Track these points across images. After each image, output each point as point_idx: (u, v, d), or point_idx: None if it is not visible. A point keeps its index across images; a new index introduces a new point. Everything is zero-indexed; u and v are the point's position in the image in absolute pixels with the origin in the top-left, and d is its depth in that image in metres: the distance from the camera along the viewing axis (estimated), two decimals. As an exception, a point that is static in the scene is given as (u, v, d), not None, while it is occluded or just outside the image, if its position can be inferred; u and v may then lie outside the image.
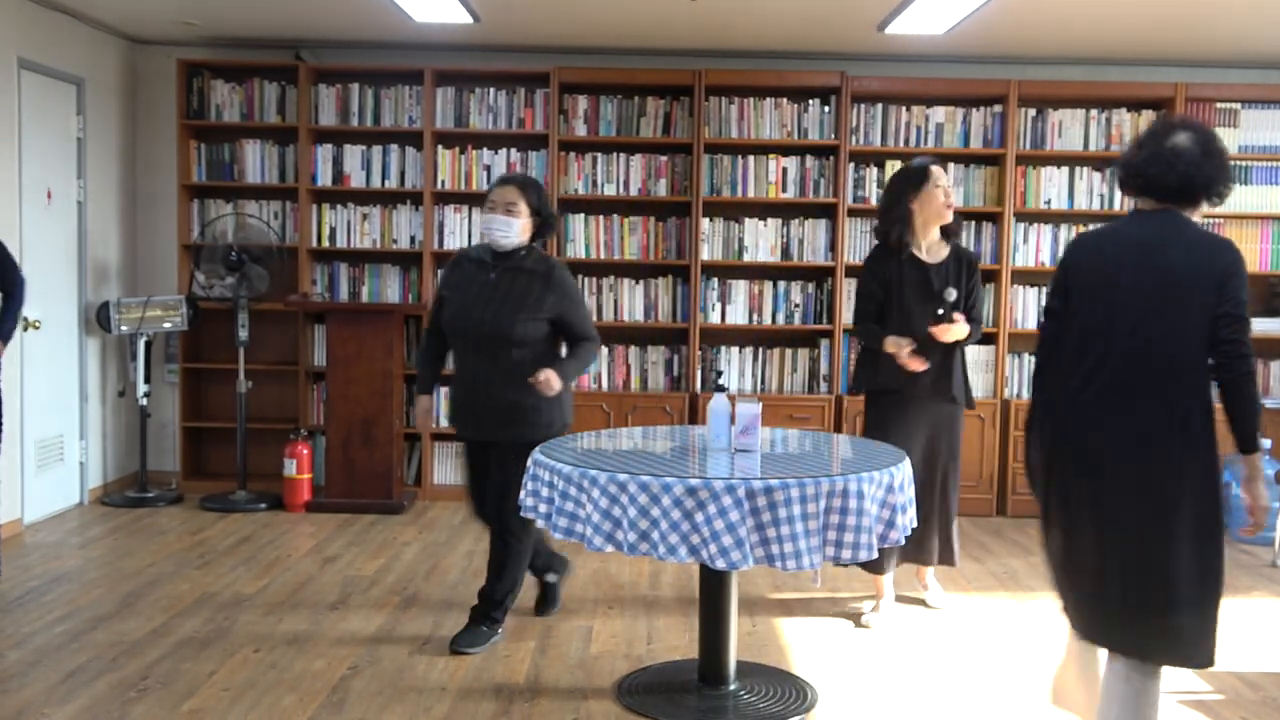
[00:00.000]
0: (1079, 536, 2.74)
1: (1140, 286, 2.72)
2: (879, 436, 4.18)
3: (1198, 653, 2.65)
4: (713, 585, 3.50)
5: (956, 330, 4.17)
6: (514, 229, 3.83)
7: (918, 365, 4.14)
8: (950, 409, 4.32)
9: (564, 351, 3.97)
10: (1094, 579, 2.72)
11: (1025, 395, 6.30)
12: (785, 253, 6.37)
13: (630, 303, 6.41)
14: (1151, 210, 2.82)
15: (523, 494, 3.41)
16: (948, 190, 4.26)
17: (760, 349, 6.42)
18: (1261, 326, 6.28)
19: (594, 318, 6.36)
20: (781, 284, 6.39)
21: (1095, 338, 2.74)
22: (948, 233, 4.34)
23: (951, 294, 4.26)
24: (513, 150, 6.37)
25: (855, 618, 4.38)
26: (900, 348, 4.15)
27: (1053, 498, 2.81)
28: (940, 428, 4.30)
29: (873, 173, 6.34)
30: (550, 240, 4.96)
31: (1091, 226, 6.31)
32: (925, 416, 4.27)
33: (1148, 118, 6.34)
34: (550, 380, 3.70)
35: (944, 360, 4.26)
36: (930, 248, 4.31)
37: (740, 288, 6.40)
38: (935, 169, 4.26)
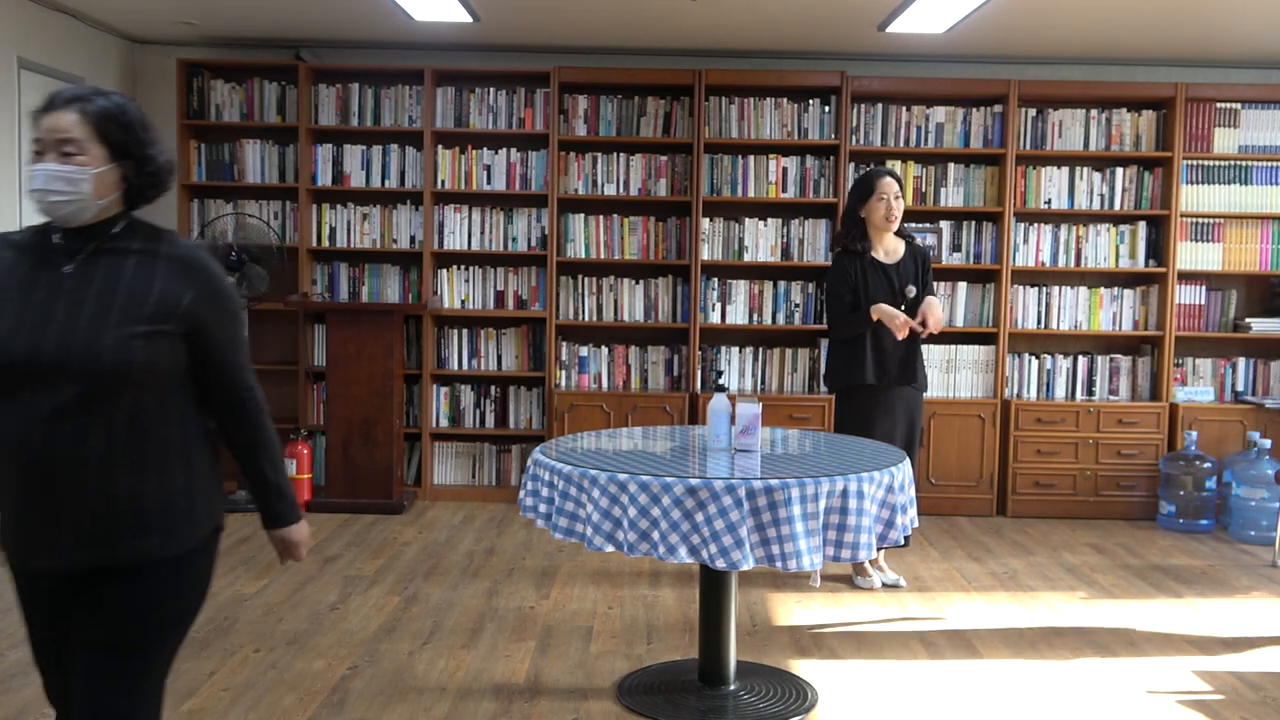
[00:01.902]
0: None
1: None
2: (862, 430, 4.43)
3: None
4: (713, 585, 3.50)
5: (935, 309, 4.54)
6: (80, 185, 2.02)
7: (905, 332, 4.50)
8: (915, 394, 4.71)
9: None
10: None
11: (1025, 395, 6.31)
12: (785, 253, 6.37)
13: (630, 303, 6.41)
14: None
15: (522, 494, 3.41)
16: (891, 204, 4.58)
17: (760, 349, 6.42)
18: (1261, 326, 6.29)
19: (594, 317, 6.39)
20: (781, 284, 6.39)
21: None
22: (901, 233, 4.74)
23: (912, 290, 4.61)
24: (513, 150, 6.37)
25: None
26: (893, 315, 4.49)
27: None
28: (910, 413, 4.69)
29: (873, 173, 6.34)
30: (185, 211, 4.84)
31: (1091, 226, 6.36)
32: (899, 404, 4.64)
33: (1148, 118, 6.34)
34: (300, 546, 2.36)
35: (909, 348, 4.63)
36: (888, 249, 4.70)
37: (740, 288, 6.40)
38: (882, 181, 4.59)
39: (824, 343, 6.34)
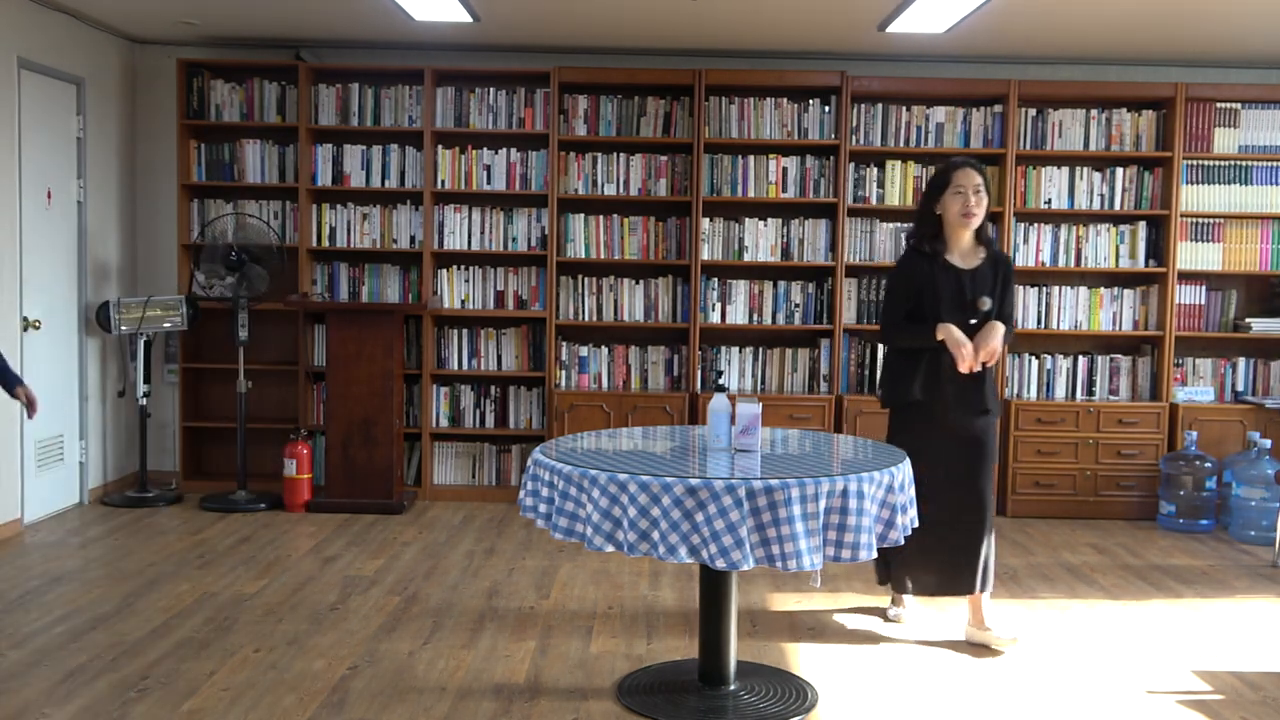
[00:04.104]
0: None
1: None
2: (915, 456, 3.81)
3: None
4: (713, 585, 3.50)
5: (992, 339, 3.92)
6: None
7: (970, 365, 3.87)
8: (984, 420, 4.03)
9: None
10: None
11: (1025, 395, 6.30)
12: (785, 253, 6.37)
13: (630, 303, 6.41)
14: None
15: (522, 494, 3.41)
16: (969, 198, 3.96)
17: (760, 349, 6.42)
18: (1261, 326, 6.29)
19: (594, 317, 6.39)
20: (781, 284, 6.39)
21: None
22: (981, 236, 4.09)
23: (986, 303, 3.97)
24: (513, 150, 6.37)
25: (881, 613, 4.43)
26: (960, 343, 3.87)
27: None
28: (974, 441, 4.01)
29: (873, 173, 6.34)
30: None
31: (1091, 226, 6.35)
32: (959, 430, 4.00)
33: (1148, 117, 6.34)
34: None
35: (976, 373, 3.97)
36: (964, 252, 4.06)
37: (740, 288, 6.40)
38: (960, 172, 3.99)
39: (824, 343, 6.35)
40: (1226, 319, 6.40)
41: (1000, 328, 3.96)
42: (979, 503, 4.02)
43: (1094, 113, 6.33)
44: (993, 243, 4.15)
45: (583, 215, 6.36)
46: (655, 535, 3.03)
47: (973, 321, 3.96)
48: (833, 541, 3.09)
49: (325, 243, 6.43)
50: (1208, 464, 5.93)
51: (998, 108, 6.30)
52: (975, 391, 3.99)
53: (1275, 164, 6.28)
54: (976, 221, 4.01)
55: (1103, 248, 6.37)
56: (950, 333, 3.89)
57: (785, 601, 4.58)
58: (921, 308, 3.99)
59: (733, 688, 3.53)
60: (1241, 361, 6.39)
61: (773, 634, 4.17)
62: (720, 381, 3.83)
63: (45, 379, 5.70)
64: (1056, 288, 6.38)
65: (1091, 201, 6.36)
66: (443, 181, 6.38)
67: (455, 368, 6.46)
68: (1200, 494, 5.93)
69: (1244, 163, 6.29)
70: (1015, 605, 4.58)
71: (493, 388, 6.48)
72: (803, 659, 3.89)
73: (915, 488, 3.50)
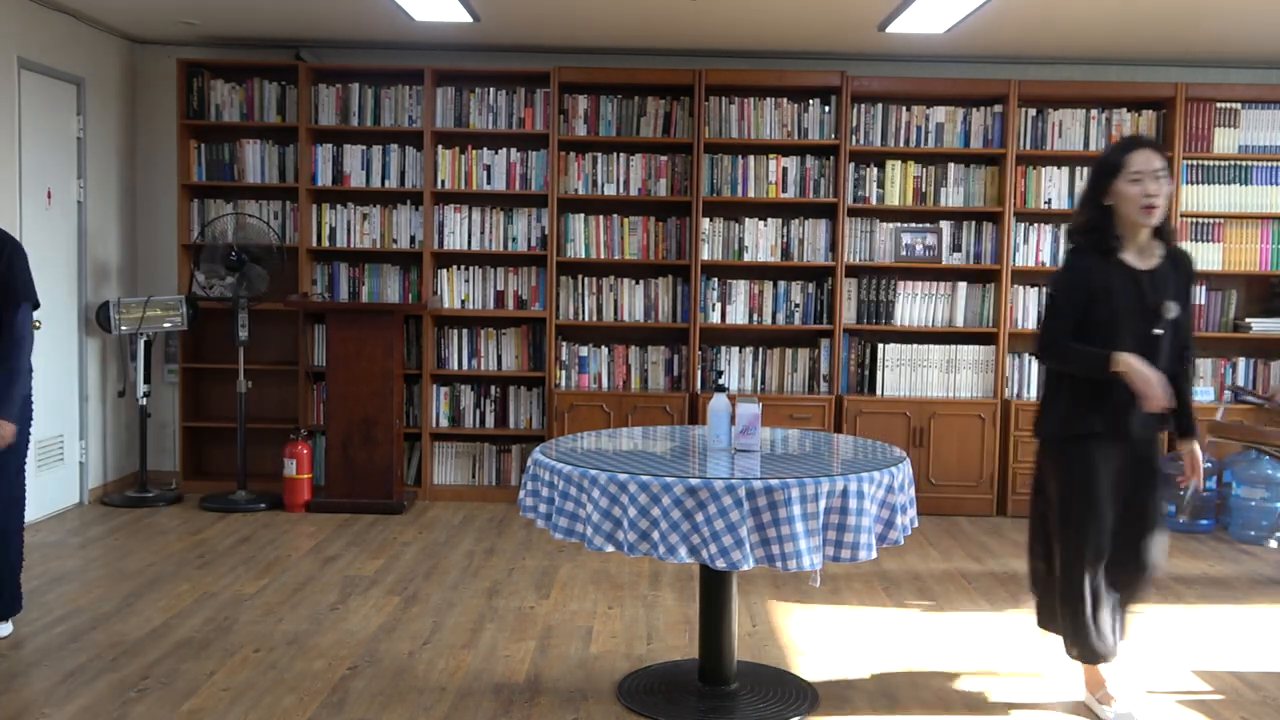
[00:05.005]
0: None
1: None
2: (1077, 497, 3.31)
3: None
4: (713, 585, 3.50)
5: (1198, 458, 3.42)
6: None
7: (1161, 403, 3.21)
8: (1155, 440, 3.43)
9: None
10: None
11: (1025, 395, 6.30)
12: (785, 253, 6.37)
13: (630, 303, 6.41)
14: None
15: (522, 494, 3.41)
16: (1148, 186, 3.24)
17: (760, 349, 6.42)
18: (1261, 326, 6.29)
19: (594, 317, 6.39)
20: (781, 284, 6.39)
21: None
22: (1163, 230, 3.39)
23: (1172, 309, 3.32)
24: (513, 150, 6.37)
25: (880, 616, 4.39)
26: (1145, 380, 3.18)
27: None
28: (1145, 457, 3.39)
29: (873, 173, 6.34)
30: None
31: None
32: (1135, 455, 3.37)
33: (1148, 118, 6.34)
34: None
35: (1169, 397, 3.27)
36: (1142, 248, 3.36)
37: (740, 288, 6.40)
38: (1136, 154, 3.27)
39: (824, 343, 6.35)
40: (1226, 319, 6.40)
41: (1197, 448, 3.43)
42: (1154, 514, 3.40)
43: (1094, 113, 6.33)
44: (1172, 236, 3.43)
45: (583, 215, 6.36)
46: (655, 535, 3.03)
47: (1156, 332, 3.30)
48: (832, 541, 3.09)
49: (325, 243, 6.43)
50: (1208, 464, 5.93)
51: (998, 108, 6.30)
52: (1160, 420, 3.36)
53: (1275, 164, 6.28)
54: (1159, 215, 3.29)
55: (1103, 248, 6.36)
56: (1130, 366, 3.20)
57: (785, 601, 4.58)
58: (1093, 317, 3.30)
59: (733, 688, 3.53)
60: (1241, 361, 6.39)
61: (772, 634, 4.17)
62: (720, 381, 3.81)
63: (45, 379, 5.70)
64: (1056, 288, 6.37)
65: (1091, 201, 6.35)
66: (443, 181, 6.37)
67: (455, 368, 6.46)
68: (1200, 494, 5.93)
69: (1244, 163, 6.29)
70: (1016, 605, 4.58)
71: (493, 388, 6.48)
72: (803, 659, 3.89)
73: (1099, 536, 3.22)
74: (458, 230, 6.42)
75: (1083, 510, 3.31)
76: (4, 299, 3.76)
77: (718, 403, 3.57)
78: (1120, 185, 3.28)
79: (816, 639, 4.12)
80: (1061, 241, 6.34)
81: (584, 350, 6.41)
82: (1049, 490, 3.43)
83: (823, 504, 3.05)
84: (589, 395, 6.23)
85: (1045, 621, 3.55)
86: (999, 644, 4.11)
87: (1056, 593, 3.42)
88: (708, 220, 6.34)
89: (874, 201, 6.33)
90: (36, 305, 3.95)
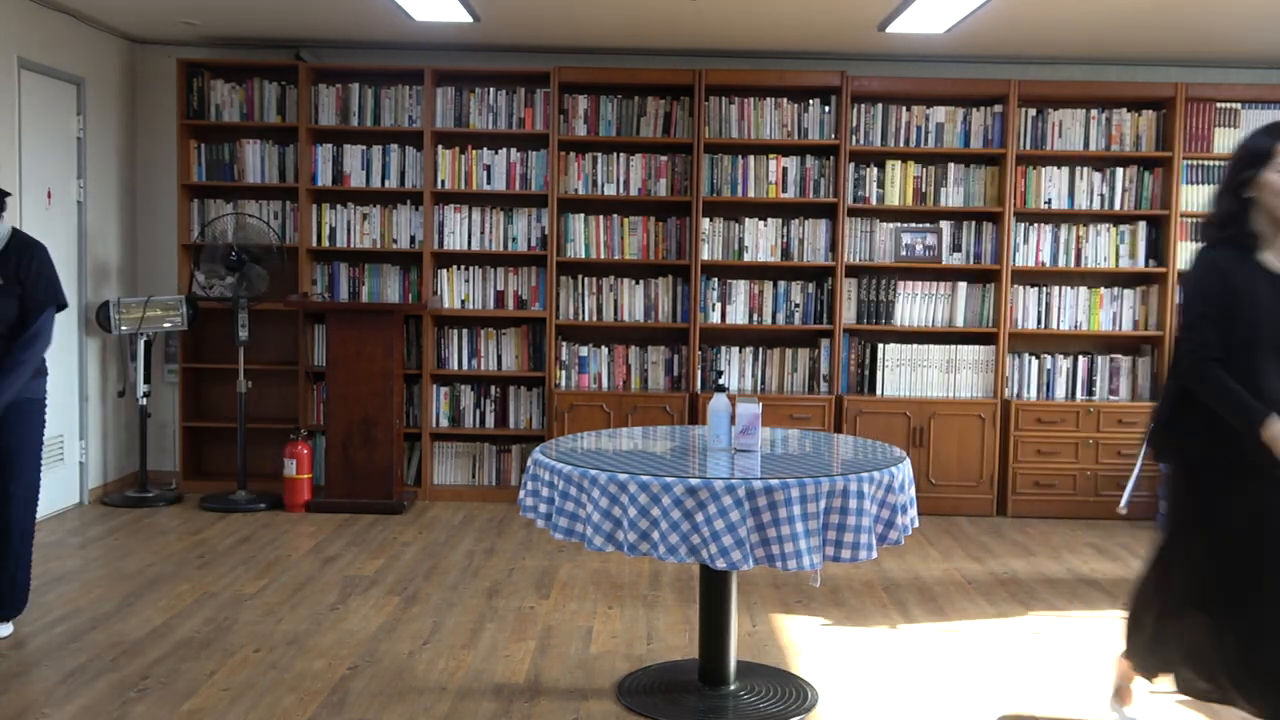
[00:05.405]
0: None
1: None
2: (1204, 522, 2.91)
3: None
4: (713, 585, 3.50)
5: None
6: None
7: None
8: None
9: None
10: None
11: (1025, 395, 6.31)
12: (785, 253, 6.37)
13: (630, 303, 6.41)
14: None
15: (522, 494, 3.41)
16: None
17: (760, 349, 6.42)
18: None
19: (594, 317, 6.40)
20: (781, 284, 6.39)
21: None
22: None
23: None
24: (513, 150, 6.37)
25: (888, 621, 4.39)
26: None
27: None
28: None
29: (873, 173, 6.34)
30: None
31: (1091, 226, 6.35)
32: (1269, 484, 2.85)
33: (1148, 118, 6.34)
34: None
35: None
36: None
37: (740, 288, 6.40)
38: None
39: (824, 343, 6.35)
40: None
41: None
42: None
43: (1094, 113, 6.33)
44: None
45: (583, 215, 6.36)
46: (655, 535, 3.03)
47: None
48: (832, 541, 3.09)
49: (325, 243, 6.43)
50: None
51: (998, 108, 6.30)
52: None
53: (1275, 164, 6.27)
54: None
55: (1103, 248, 6.37)
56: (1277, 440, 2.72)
57: (785, 601, 4.58)
58: (1234, 328, 2.84)
59: (732, 688, 3.53)
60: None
61: (772, 634, 4.17)
62: (720, 381, 3.81)
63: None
64: (1056, 288, 6.38)
65: (1091, 202, 6.36)
66: (443, 181, 6.38)
67: (455, 368, 6.46)
68: None
69: (1244, 163, 6.28)
70: (1016, 605, 4.58)
71: (493, 388, 6.48)
72: (803, 659, 3.89)
73: (1243, 572, 2.79)
74: (458, 230, 6.42)
75: (1210, 543, 2.87)
76: (30, 302, 3.87)
77: (718, 403, 3.57)
78: (1268, 176, 2.85)
79: (816, 639, 4.12)
80: (1063, 241, 6.35)
81: (584, 350, 6.41)
82: (1174, 521, 2.99)
83: (822, 504, 3.05)
84: (589, 395, 6.23)
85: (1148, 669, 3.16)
86: (999, 644, 4.11)
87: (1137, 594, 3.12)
88: (708, 220, 6.34)
89: (874, 201, 6.33)
90: (62, 306, 3.99)
